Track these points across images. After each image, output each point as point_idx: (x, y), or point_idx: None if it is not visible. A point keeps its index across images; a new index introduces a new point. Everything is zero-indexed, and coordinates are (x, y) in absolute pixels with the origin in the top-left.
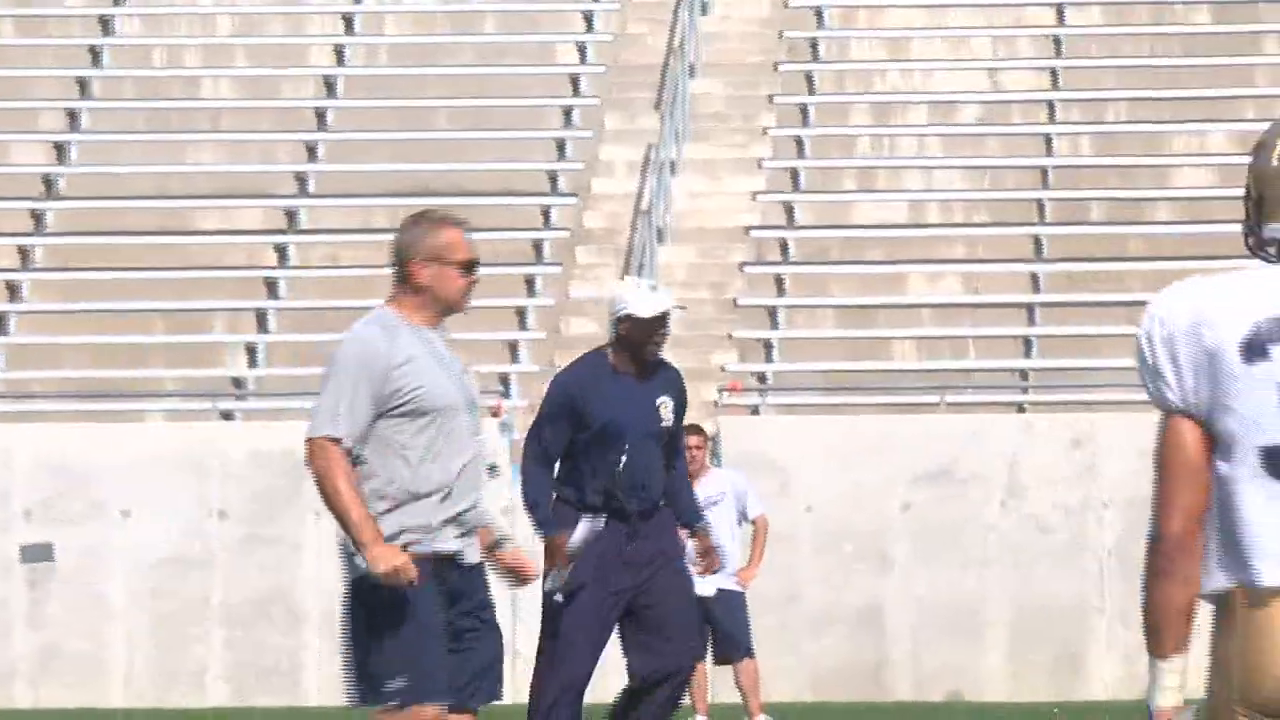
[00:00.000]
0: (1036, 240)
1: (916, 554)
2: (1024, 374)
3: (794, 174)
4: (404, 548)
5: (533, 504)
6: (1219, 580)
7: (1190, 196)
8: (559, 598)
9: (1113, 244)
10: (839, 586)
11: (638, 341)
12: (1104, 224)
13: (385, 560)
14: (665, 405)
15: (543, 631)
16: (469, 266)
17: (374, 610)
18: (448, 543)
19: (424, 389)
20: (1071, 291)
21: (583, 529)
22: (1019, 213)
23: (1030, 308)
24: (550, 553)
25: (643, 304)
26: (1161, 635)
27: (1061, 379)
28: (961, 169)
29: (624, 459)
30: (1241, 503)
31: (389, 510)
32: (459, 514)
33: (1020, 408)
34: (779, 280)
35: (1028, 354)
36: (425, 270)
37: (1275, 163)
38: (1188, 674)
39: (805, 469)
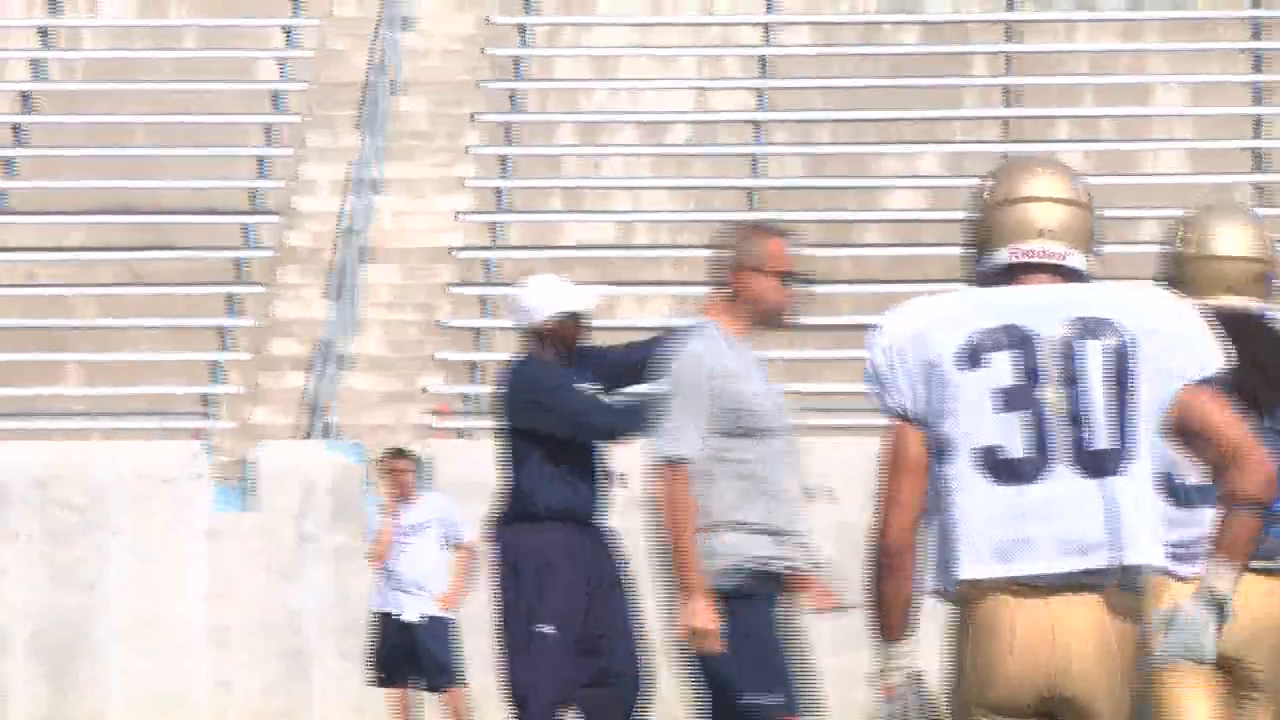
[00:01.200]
0: None
1: None
2: None
3: (499, 193)
4: (737, 570)
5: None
6: (941, 578)
7: (900, 219)
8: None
9: (822, 266)
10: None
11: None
12: (814, 246)
13: (700, 619)
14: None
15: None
16: (791, 278)
17: (738, 632)
18: (778, 562)
19: (754, 405)
20: None
21: None
22: None
23: None
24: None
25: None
26: (890, 623)
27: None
28: (670, 189)
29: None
30: (957, 501)
31: (718, 530)
32: (785, 532)
33: None
34: (484, 301)
35: None
36: (749, 280)
37: (989, 197)
38: (912, 655)
39: None
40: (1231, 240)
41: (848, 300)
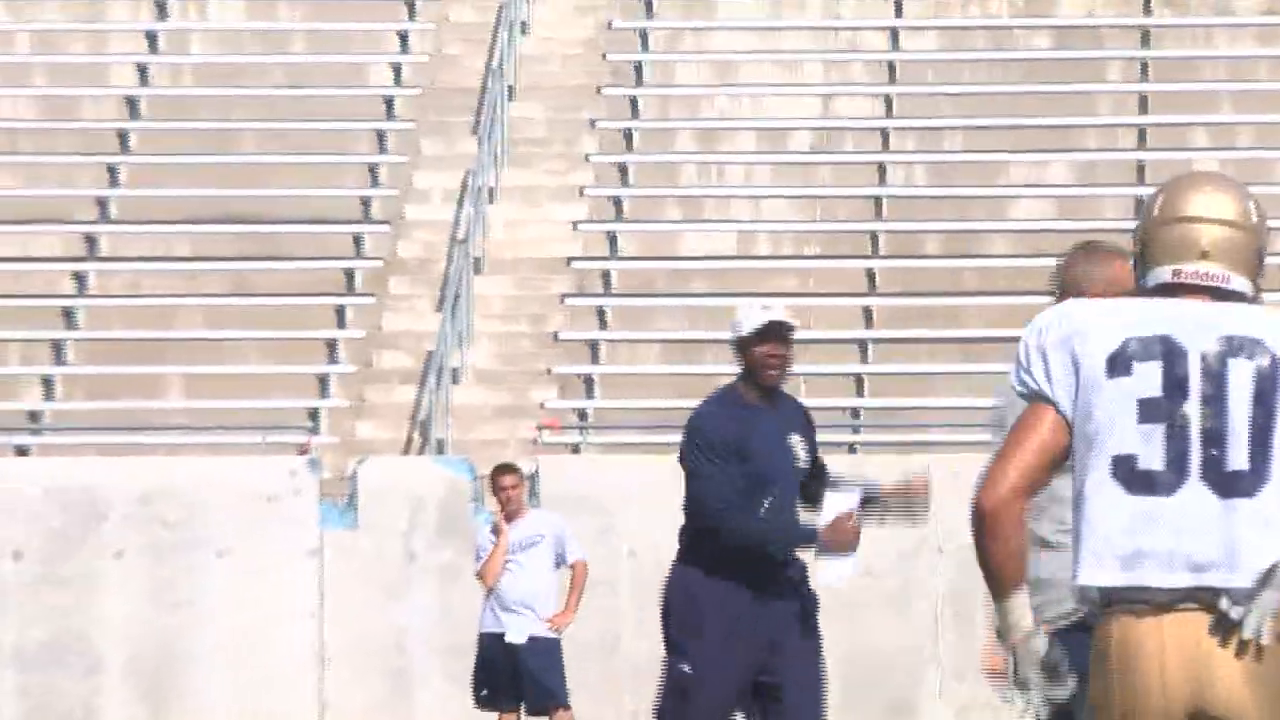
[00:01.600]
0: (869, 273)
1: None
2: (855, 412)
3: (617, 202)
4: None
5: (786, 529)
6: (1081, 575)
7: (1028, 228)
8: (686, 667)
9: (948, 278)
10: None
11: (750, 365)
12: (939, 257)
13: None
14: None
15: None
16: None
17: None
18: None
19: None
20: (905, 327)
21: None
22: (851, 244)
23: (863, 343)
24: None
25: (751, 319)
26: (998, 583)
27: (893, 418)
28: (792, 198)
29: (767, 502)
30: (1090, 506)
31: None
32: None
33: (851, 448)
34: (601, 313)
35: (859, 392)
36: None
37: (1155, 214)
38: (1027, 609)
39: (627, 511)
40: None
41: (973, 312)
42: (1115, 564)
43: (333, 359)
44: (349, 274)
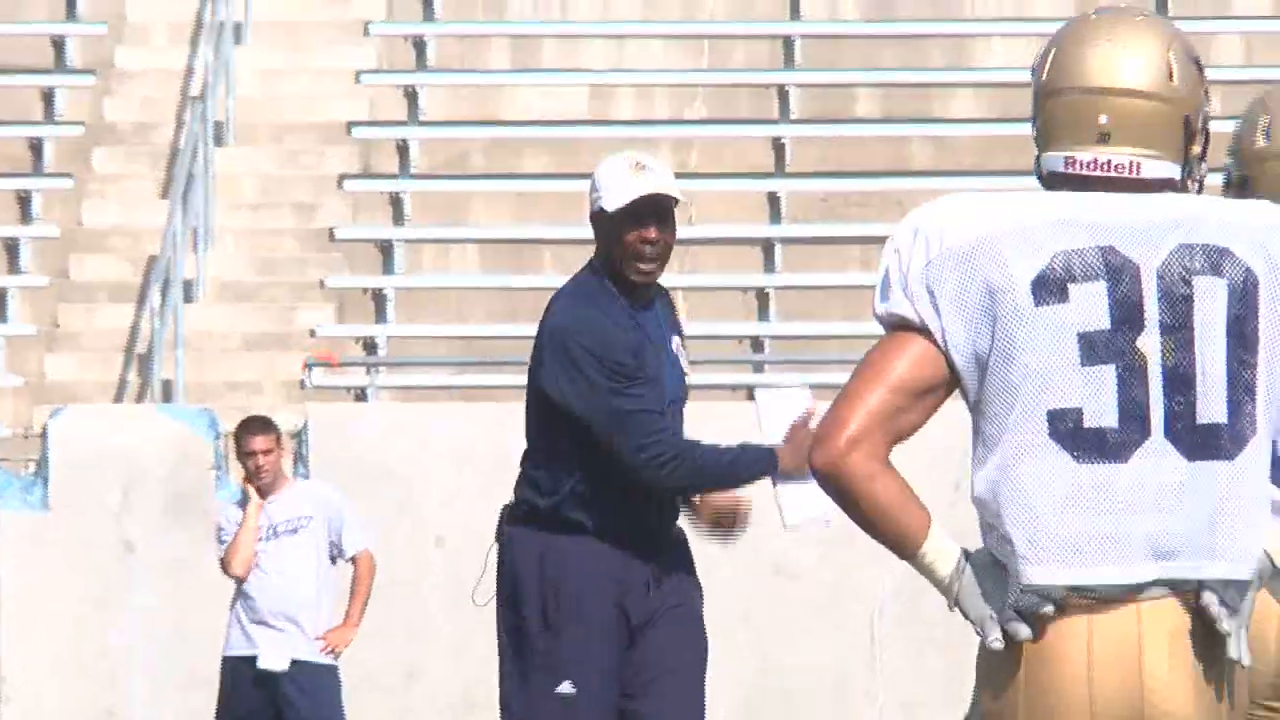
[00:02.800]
0: (776, 144)
1: None
2: (757, 342)
3: (418, 44)
4: None
5: (726, 455)
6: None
7: (1003, 80)
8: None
9: (889, 151)
10: (487, 654)
11: (612, 251)
12: (876, 121)
13: None
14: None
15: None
16: None
17: None
18: None
19: None
20: (827, 220)
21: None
22: (752, 103)
23: (768, 245)
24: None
25: (619, 188)
26: (899, 536)
27: (807, 349)
28: (669, 38)
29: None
30: (1023, 480)
31: None
32: None
33: (750, 391)
34: (396, 201)
35: (763, 313)
36: None
37: (1043, 79)
38: (945, 554)
39: (434, 482)
40: None
41: (924, 197)
42: (1057, 555)
43: (13, 267)
44: (35, 145)
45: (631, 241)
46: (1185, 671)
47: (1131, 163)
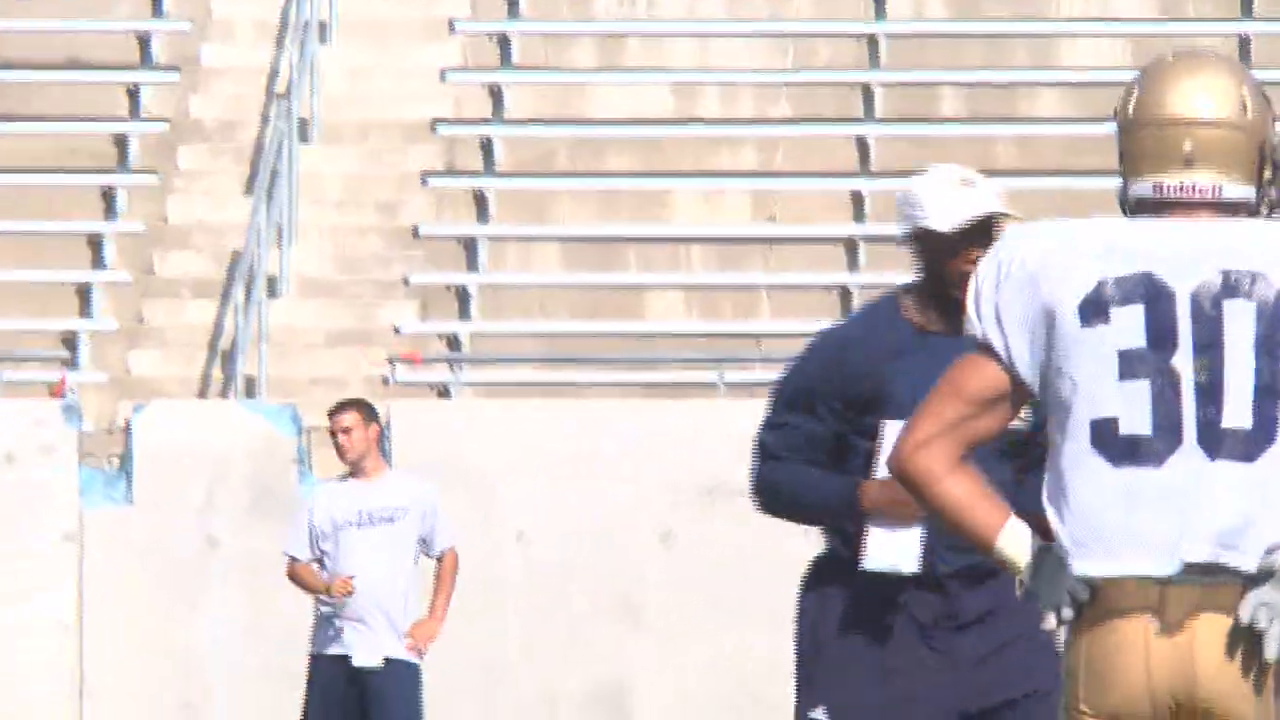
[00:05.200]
0: (861, 144)
1: (680, 605)
2: None
3: (503, 41)
4: None
5: (812, 495)
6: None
7: (1088, 80)
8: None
9: (975, 149)
10: (567, 653)
11: (941, 273)
12: (961, 121)
13: None
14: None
15: None
16: None
17: None
18: None
19: None
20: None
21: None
22: (837, 102)
23: (850, 244)
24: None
25: (944, 207)
26: (972, 533)
27: None
28: (753, 37)
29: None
30: (1071, 484)
31: None
32: None
33: None
34: (480, 198)
35: (847, 312)
36: None
37: (1130, 114)
38: (1019, 543)
39: (516, 480)
40: None
41: (1015, 199)
42: (1101, 550)
43: (98, 262)
44: (120, 141)
45: (960, 263)
46: (1234, 659)
47: (1214, 186)
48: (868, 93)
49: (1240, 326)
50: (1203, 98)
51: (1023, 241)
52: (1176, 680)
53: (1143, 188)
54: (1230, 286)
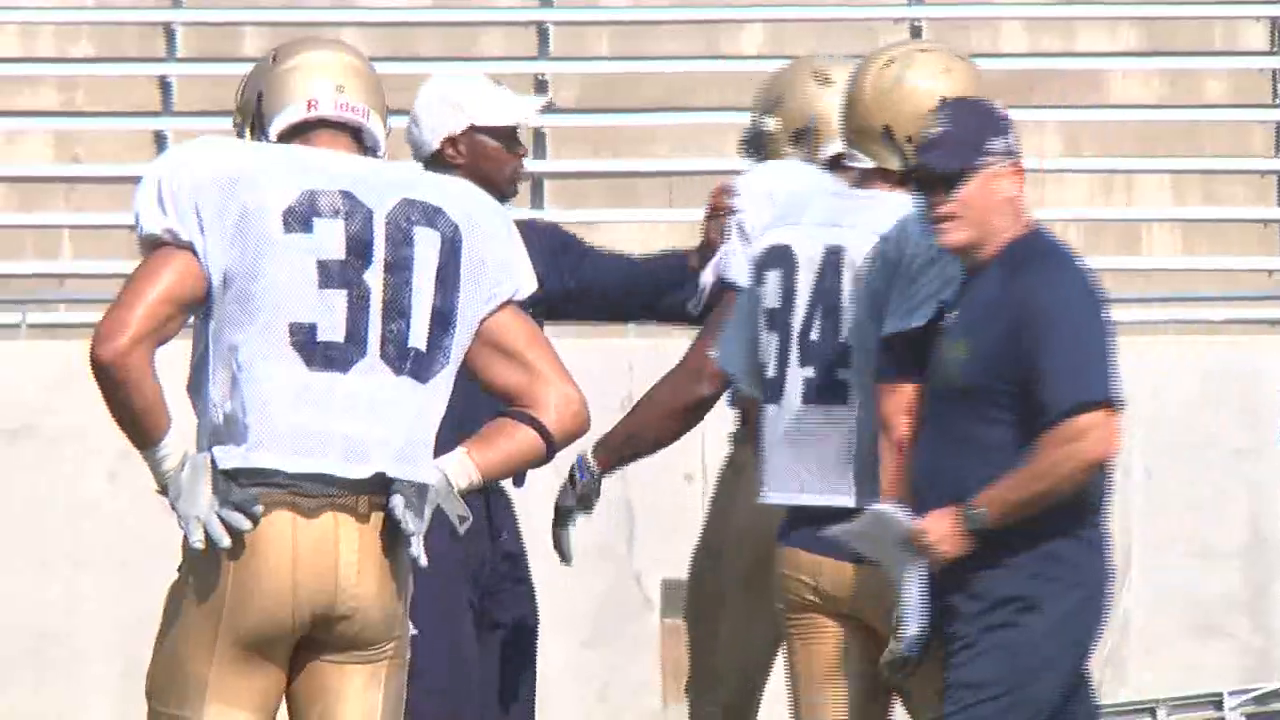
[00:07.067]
0: (163, 82)
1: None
2: None
3: None
4: None
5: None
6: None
7: None
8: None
9: None
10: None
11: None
12: None
13: None
14: None
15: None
16: None
17: None
18: None
19: None
20: None
21: None
22: (140, 42)
23: None
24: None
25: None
26: (140, 433)
27: None
28: None
29: None
30: (257, 377)
31: None
32: None
33: None
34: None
35: None
36: None
37: (270, 63)
38: (173, 452)
39: None
40: None
41: None
42: (287, 446)
43: None
44: None
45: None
46: (373, 563)
47: (364, 108)
48: (169, 32)
49: (426, 252)
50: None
51: (210, 149)
52: (319, 579)
53: (292, 112)
54: (418, 215)
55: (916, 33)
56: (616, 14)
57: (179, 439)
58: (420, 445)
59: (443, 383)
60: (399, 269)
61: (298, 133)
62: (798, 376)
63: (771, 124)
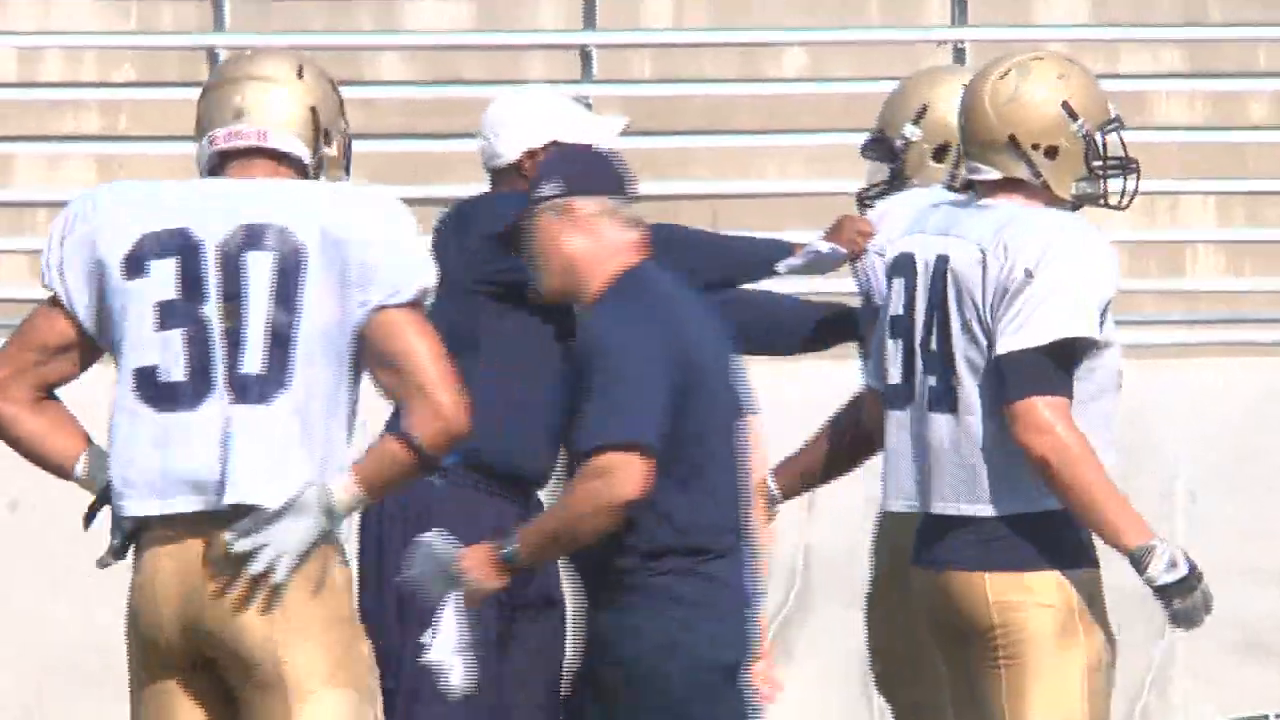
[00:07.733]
0: None
1: None
2: None
3: None
4: None
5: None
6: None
7: None
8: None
9: None
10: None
11: None
12: None
13: None
14: None
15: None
16: None
17: None
18: None
19: None
20: None
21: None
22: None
23: None
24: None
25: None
26: (49, 459)
27: None
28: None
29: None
30: (117, 425)
31: None
32: None
33: None
34: None
35: None
36: None
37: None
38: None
39: None
40: None
41: None
42: (147, 490)
43: None
44: None
45: None
46: (240, 584)
47: (260, 132)
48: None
49: (260, 276)
50: (255, 58)
51: (87, 200)
52: (189, 610)
53: (205, 147)
54: (252, 238)
55: (960, 55)
56: (659, 36)
57: (96, 466)
58: (277, 467)
59: (287, 403)
60: (233, 298)
61: (228, 159)
62: (922, 384)
63: (915, 134)
